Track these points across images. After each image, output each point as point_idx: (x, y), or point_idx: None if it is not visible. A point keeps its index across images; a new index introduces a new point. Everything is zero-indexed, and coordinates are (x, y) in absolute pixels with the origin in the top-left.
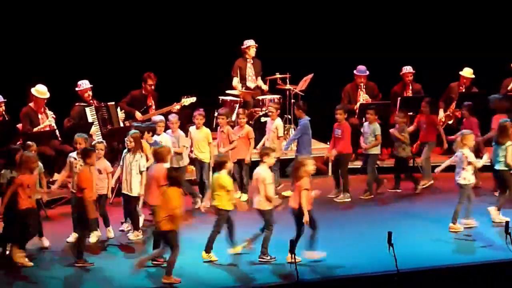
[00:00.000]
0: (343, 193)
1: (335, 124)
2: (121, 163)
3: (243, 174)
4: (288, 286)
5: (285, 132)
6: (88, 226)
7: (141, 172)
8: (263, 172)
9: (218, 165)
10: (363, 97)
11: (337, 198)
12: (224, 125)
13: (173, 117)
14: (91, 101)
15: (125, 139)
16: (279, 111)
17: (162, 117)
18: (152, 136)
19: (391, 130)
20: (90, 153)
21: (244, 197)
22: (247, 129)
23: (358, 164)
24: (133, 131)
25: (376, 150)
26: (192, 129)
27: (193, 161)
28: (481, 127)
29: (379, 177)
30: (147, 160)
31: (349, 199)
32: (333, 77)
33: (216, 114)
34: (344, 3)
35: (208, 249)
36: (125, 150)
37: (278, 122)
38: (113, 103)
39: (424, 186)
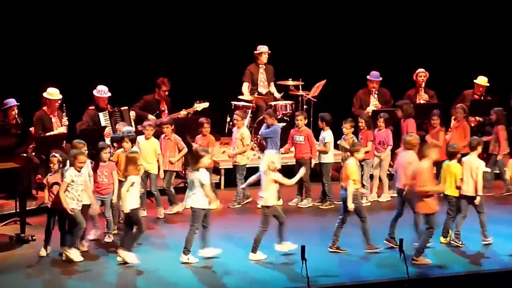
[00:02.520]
0: (306, 198)
1: (294, 130)
2: None
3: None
4: None
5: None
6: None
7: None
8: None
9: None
10: (373, 103)
11: (301, 203)
12: (169, 133)
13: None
14: (105, 107)
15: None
16: (245, 119)
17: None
18: (133, 144)
19: (340, 142)
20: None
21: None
22: (209, 138)
23: None
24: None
25: (330, 159)
26: (140, 139)
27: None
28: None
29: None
30: None
31: (311, 204)
32: (346, 83)
33: (228, 119)
34: (358, 9)
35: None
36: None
37: (244, 130)
38: (126, 108)
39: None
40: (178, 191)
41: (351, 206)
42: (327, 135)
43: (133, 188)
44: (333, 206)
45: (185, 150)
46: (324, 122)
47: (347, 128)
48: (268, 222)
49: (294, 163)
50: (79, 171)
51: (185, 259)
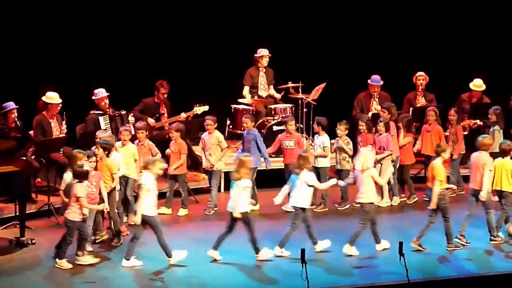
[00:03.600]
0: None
1: (283, 135)
2: None
3: (181, 189)
4: None
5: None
6: None
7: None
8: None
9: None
10: (375, 107)
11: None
12: (143, 139)
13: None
14: (107, 110)
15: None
16: (216, 124)
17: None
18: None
19: (335, 143)
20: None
21: (183, 211)
22: (180, 144)
23: None
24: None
25: (327, 163)
26: (118, 145)
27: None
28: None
29: None
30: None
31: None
32: (346, 86)
33: (228, 122)
34: (359, 11)
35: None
36: None
37: (218, 134)
38: (124, 112)
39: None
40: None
41: (433, 205)
42: (325, 139)
43: (245, 192)
44: (326, 209)
45: (184, 157)
46: (320, 127)
47: (341, 130)
48: (370, 218)
49: (283, 167)
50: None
51: (279, 252)
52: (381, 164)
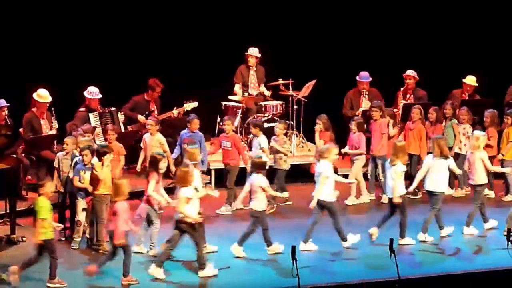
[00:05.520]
0: (225, 205)
1: (222, 135)
2: None
3: None
4: None
5: (288, 138)
6: None
7: None
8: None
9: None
10: (365, 104)
11: (219, 210)
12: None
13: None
14: (96, 108)
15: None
16: (158, 126)
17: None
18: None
19: (271, 144)
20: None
21: None
22: (117, 146)
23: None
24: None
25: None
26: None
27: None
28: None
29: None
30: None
31: (230, 212)
32: (336, 83)
33: (218, 119)
34: (347, 9)
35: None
36: None
37: (160, 136)
38: (114, 108)
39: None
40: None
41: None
42: (262, 140)
43: (402, 176)
44: (274, 210)
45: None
46: (257, 128)
47: (280, 129)
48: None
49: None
50: None
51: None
52: (354, 162)
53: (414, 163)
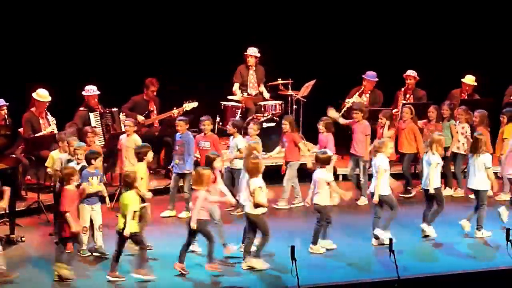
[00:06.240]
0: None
1: (199, 135)
2: None
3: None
4: None
5: None
6: None
7: None
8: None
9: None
10: (356, 99)
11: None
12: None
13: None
14: (97, 107)
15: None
16: (136, 127)
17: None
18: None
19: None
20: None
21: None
22: (96, 148)
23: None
24: None
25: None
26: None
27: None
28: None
29: None
30: None
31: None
32: (336, 83)
33: (218, 119)
34: (347, 9)
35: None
36: None
37: (136, 137)
38: (116, 109)
39: None
40: (165, 192)
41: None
42: (239, 141)
43: (438, 169)
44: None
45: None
46: (235, 128)
47: (254, 129)
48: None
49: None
50: None
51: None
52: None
53: (406, 161)
